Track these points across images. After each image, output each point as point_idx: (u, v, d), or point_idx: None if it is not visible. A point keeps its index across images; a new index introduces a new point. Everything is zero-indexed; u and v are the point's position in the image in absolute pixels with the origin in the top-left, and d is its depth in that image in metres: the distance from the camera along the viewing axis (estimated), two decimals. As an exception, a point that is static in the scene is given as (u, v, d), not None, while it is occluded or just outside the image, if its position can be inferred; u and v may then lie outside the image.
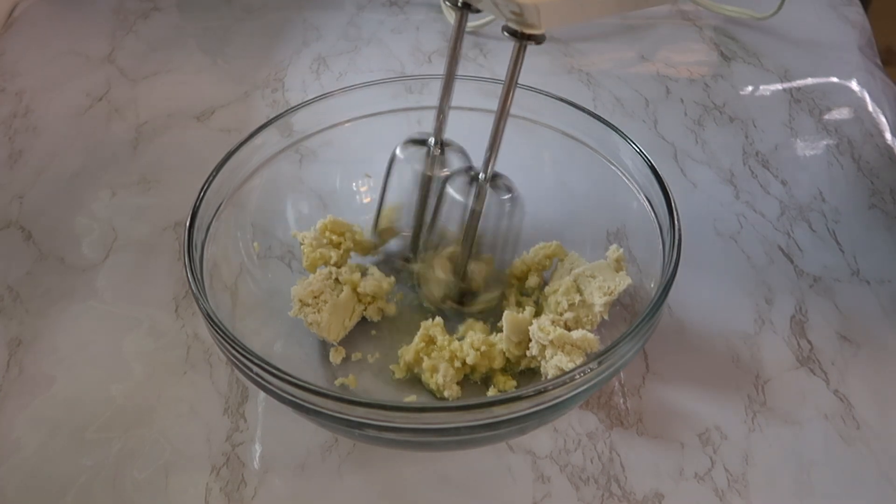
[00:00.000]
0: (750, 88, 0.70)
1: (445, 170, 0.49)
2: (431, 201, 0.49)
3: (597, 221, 0.52)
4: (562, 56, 0.74)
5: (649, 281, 0.45)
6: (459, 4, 0.44)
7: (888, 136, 0.65)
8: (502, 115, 0.43)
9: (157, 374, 0.49)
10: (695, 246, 0.54)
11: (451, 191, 0.47)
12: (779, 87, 0.70)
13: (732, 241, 0.57)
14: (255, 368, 0.38)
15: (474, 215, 0.46)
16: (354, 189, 0.55)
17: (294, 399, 0.38)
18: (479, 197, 0.46)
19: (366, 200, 0.55)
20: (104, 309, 0.53)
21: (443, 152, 0.49)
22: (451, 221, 0.47)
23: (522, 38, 0.39)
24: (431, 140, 0.49)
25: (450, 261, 0.49)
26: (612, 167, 0.49)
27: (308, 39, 0.77)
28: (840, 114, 0.67)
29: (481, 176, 0.45)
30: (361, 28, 0.78)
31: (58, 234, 0.58)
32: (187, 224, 0.44)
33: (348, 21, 0.79)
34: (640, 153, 0.46)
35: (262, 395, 0.47)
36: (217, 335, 0.39)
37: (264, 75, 0.73)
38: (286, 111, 0.50)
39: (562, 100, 0.50)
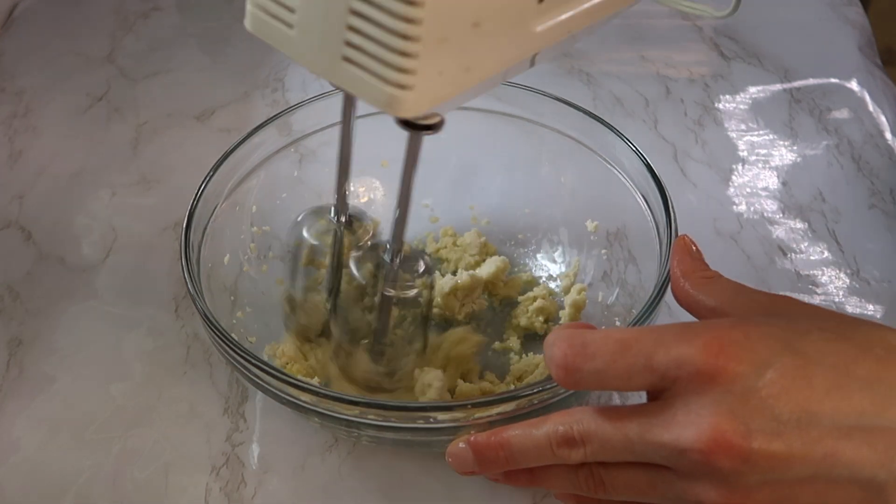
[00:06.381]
0: (750, 88, 0.70)
1: (353, 249, 0.44)
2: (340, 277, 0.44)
3: (595, 221, 0.52)
4: (561, 56, 0.74)
5: (647, 280, 0.45)
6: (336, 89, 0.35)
7: (888, 136, 0.65)
8: (406, 204, 0.37)
9: (156, 374, 0.49)
10: (694, 246, 0.54)
11: (357, 274, 0.42)
12: (779, 87, 0.70)
13: (732, 241, 0.57)
14: (254, 369, 0.38)
15: (385, 300, 0.41)
16: (353, 189, 0.55)
17: (293, 399, 0.38)
18: (389, 280, 0.40)
19: (363, 200, 0.55)
20: (104, 309, 0.53)
21: (349, 226, 0.44)
22: (359, 304, 0.43)
23: (416, 129, 0.33)
24: (334, 216, 0.44)
25: (366, 350, 0.44)
26: (610, 167, 0.49)
27: (308, 39, 0.77)
28: (840, 114, 0.67)
29: (387, 258, 0.40)
30: (361, 28, 0.78)
31: (58, 234, 0.58)
32: (184, 224, 0.44)
33: (348, 21, 0.79)
34: (637, 153, 0.46)
35: (262, 395, 0.48)
36: (214, 336, 0.40)
37: (264, 75, 0.72)
38: (285, 110, 0.50)
39: (560, 100, 0.50)
